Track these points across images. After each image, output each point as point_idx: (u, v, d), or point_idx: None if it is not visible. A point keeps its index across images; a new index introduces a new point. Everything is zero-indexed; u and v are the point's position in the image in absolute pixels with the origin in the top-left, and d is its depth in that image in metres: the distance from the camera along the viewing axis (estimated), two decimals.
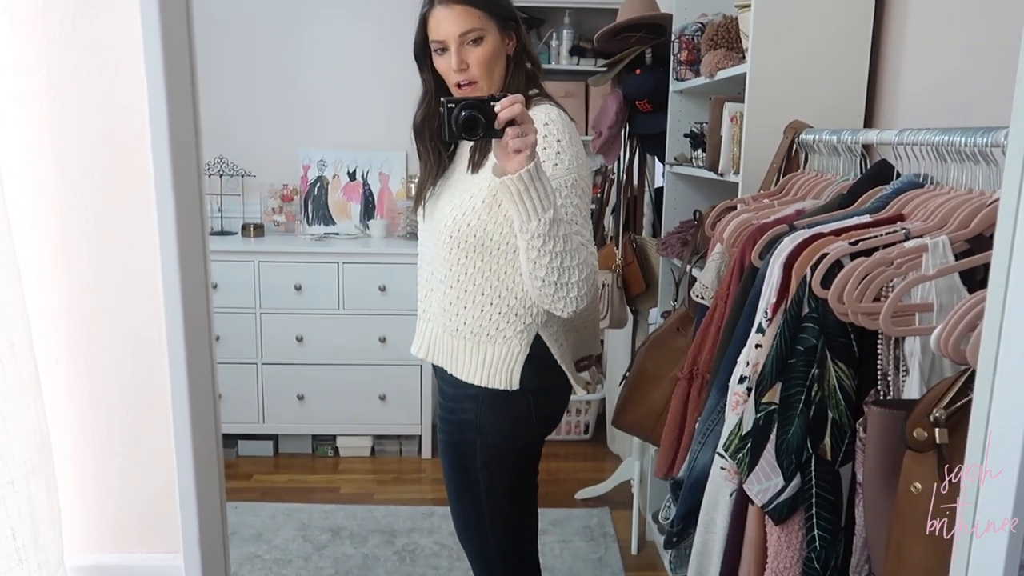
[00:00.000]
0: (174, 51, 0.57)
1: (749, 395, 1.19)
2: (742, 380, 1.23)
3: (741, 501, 1.21)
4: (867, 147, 1.52)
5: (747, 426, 1.17)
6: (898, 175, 1.33)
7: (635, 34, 2.66)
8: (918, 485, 0.81)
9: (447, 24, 1.42)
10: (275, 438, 3.46)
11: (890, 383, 1.08)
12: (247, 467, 3.35)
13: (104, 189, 0.61)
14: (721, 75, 2.04)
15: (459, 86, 1.45)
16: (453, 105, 1.26)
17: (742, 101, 1.84)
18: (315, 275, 3.30)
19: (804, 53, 1.76)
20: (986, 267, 0.81)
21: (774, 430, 1.11)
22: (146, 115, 0.57)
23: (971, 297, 0.87)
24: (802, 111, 1.74)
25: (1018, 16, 1.33)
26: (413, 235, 3.54)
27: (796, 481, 1.09)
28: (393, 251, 3.35)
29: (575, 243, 1.34)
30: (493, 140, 1.27)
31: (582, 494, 3.08)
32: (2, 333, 0.59)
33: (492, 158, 1.34)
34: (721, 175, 2.03)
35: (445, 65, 1.45)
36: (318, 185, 3.71)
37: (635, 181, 2.87)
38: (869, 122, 1.79)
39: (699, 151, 2.27)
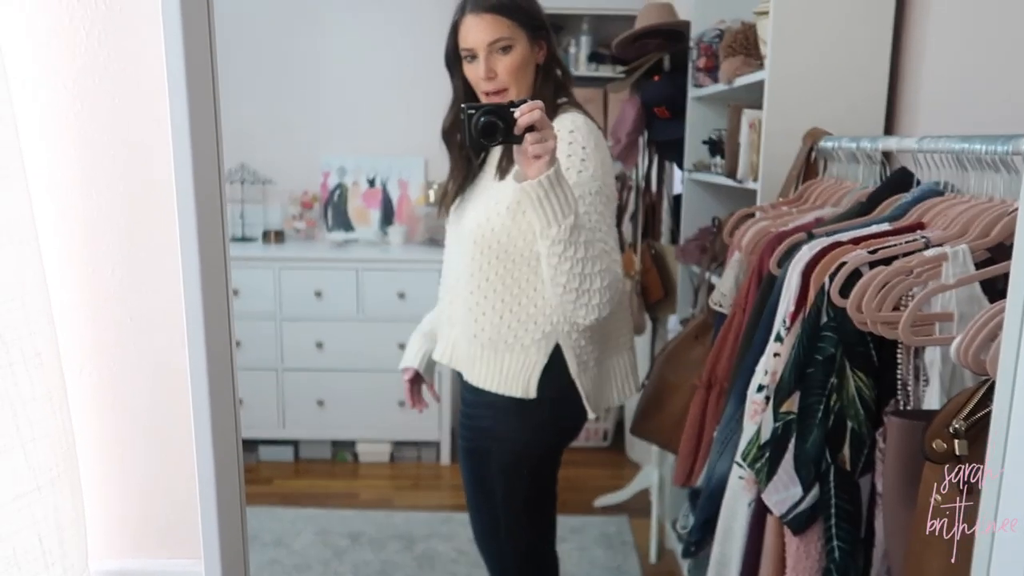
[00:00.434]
0: (196, 65, 0.59)
1: (767, 404, 1.19)
2: (760, 389, 1.22)
3: (759, 511, 1.20)
4: (887, 154, 1.51)
5: (765, 435, 1.16)
6: (918, 183, 1.32)
7: (653, 40, 2.67)
8: (938, 497, 0.80)
9: (477, 32, 1.44)
10: (295, 443, 3.49)
11: (910, 393, 1.07)
12: (268, 472, 3.38)
13: (128, 200, 0.63)
14: (739, 82, 2.03)
15: (487, 95, 1.47)
16: (473, 111, 1.27)
17: (760, 108, 1.83)
18: (335, 281, 3.33)
19: (823, 59, 1.75)
20: (1007, 276, 0.81)
21: (792, 440, 1.11)
22: (168, 128, 0.58)
23: (991, 307, 0.87)
24: (821, 118, 1.73)
25: None
26: (432, 241, 3.56)
27: (815, 491, 1.09)
28: (412, 257, 3.37)
29: (597, 250, 1.34)
30: (514, 147, 1.28)
31: (601, 501, 3.07)
32: (29, 342, 0.60)
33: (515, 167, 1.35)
34: (739, 182, 2.02)
35: (474, 73, 1.47)
36: (338, 192, 3.74)
37: (653, 188, 2.86)
38: (890, 129, 1.78)
39: (717, 158, 2.26)
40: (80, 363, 0.64)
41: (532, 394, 1.48)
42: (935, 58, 1.64)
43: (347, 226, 3.75)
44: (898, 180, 1.36)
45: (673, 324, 2.74)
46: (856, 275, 1.09)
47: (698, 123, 2.53)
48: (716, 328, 1.62)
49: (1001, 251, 1.03)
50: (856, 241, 1.18)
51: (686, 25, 2.57)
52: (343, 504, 3.08)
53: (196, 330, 0.59)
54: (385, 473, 3.41)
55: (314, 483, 3.30)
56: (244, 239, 3.63)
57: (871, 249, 1.12)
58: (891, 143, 1.38)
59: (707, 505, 1.31)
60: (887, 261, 1.09)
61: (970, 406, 0.79)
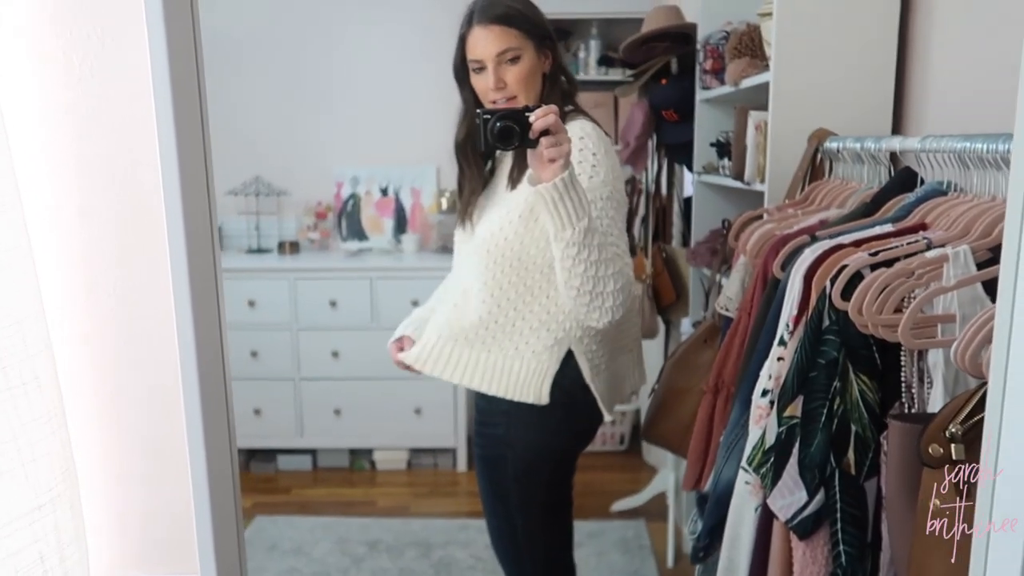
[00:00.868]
0: (183, 92, 0.60)
1: (772, 408, 1.18)
2: (764, 393, 1.21)
3: (766, 516, 1.19)
4: (893, 154, 1.50)
5: (770, 440, 1.16)
6: (922, 182, 1.31)
7: (661, 44, 2.67)
8: (937, 502, 0.80)
9: (485, 44, 1.46)
10: (313, 452, 3.52)
11: (914, 395, 1.07)
12: (286, 481, 3.41)
13: (122, 226, 0.64)
14: (745, 84, 2.02)
15: (495, 104, 1.48)
16: (489, 116, 1.29)
17: (767, 109, 1.83)
18: (349, 291, 3.35)
19: (828, 60, 1.74)
20: None
21: (796, 444, 1.10)
22: (158, 155, 0.60)
23: (989, 308, 0.86)
24: (827, 119, 1.72)
25: None
26: (445, 249, 3.58)
27: (820, 496, 1.08)
28: (425, 265, 3.39)
29: (610, 253, 1.36)
30: (528, 150, 1.29)
31: (618, 506, 3.06)
32: (27, 365, 0.62)
33: (529, 171, 1.36)
34: (747, 184, 2.02)
35: (483, 84, 1.49)
36: (351, 201, 3.77)
37: (664, 191, 2.86)
38: (897, 129, 1.77)
39: (725, 160, 2.26)
40: (78, 385, 0.66)
41: (545, 400, 1.49)
42: (941, 56, 1.62)
43: (361, 235, 3.77)
44: (902, 180, 1.35)
45: (686, 327, 2.73)
46: (858, 278, 1.08)
47: (706, 125, 2.52)
48: (723, 332, 1.62)
49: None
50: (858, 243, 1.17)
51: (693, 28, 2.57)
52: (361, 512, 3.10)
53: (188, 349, 0.61)
54: (402, 480, 3.42)
55: (332, 491, 3.32)
56: (259, 250, 3.67)
57: (873, 251, 1.12)
58: (894, 143, 1.37)
59: (714, 510, 1.31)
60: (889, 263, 1.09)
61: (967, 410, 0.78)
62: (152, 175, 0.62)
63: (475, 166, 1.60)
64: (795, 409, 1.12)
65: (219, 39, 3.63)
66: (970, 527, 0.76)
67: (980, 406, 0.78)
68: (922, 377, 1.06)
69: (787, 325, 1.21)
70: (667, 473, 2.81)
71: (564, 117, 1.51)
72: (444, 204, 3.69)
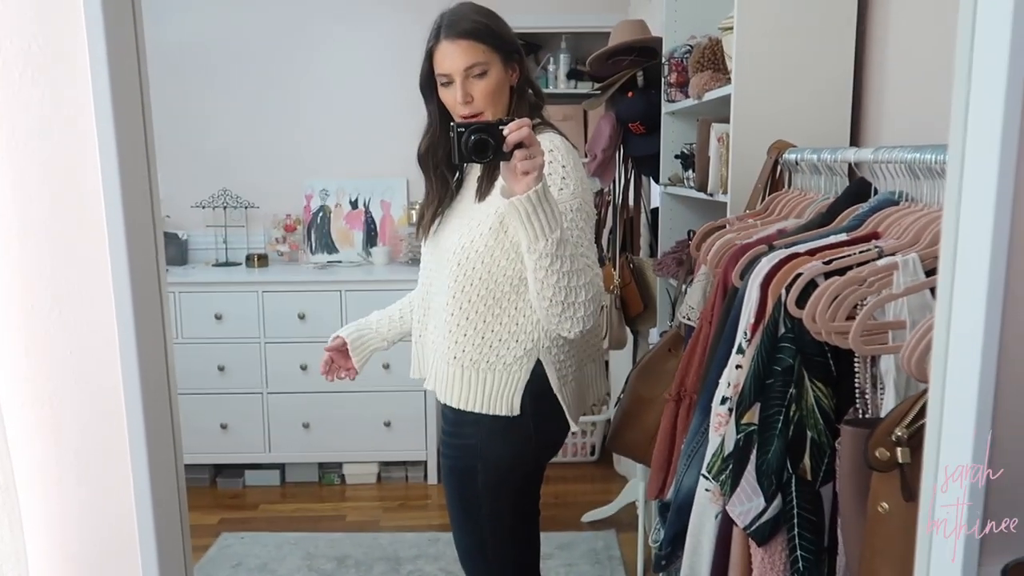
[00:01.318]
0: (124, 101, 0.60)
1: (731, 416, 1.19)
2: (724, 401, 1.23)
3: (726, 523, 1.20)
4: (851, 165, 1.53)
5: (729, 447, 1.17)
6: (876, 192, 1.33)
7: (627, 57, 2.70)
8: (885, 505, 0.81)
9: (452, 58, 1.46)
10: (282, 467, 3.48)
11: (868, 401, 1.08)
12: (254, 497, 3.36)
13: (64, 242, 0.63)
14: (708, 96, 2.05)
15: (464, 119, 1.49)
16: (463, 129, 1.30)
17: (729, 122, 1.85)
18: (319, 304, 3.33)
19: (787, 73, 1.77)
20: None
21: (754, 451, 1.11)
22: (99, 170, 0.59)
23: (933, 315, 0.88)
24: (787, 131, 1.75)
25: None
26: (415, 261, 3.57)
27: (777, 502, 1.09)
28: (396, 278, 3.37)
29: (581, 264, 1.37)
30: (501, 163, 1.30)
31: (588, 517, 3.06)
32: None
33: (499, 185, 1.37)
34: (710, 195, 2.04)
35: (451, 97, 1.49)
36: (321, 214, 3.75)
37: (631, 202, 2.89)
38: (855, 141, 1.80)
39: (689, 171, 2.28)
40: (21, 398, 0.65)
41: (516, 411, 1.49)
42: (896, 70, 1.66)
43: (330, 248, 3.76)
44: (857, 190, 1.37)
45: (654, 337, 2.75)
46: (812, 286, 1.10)
47: (672, 138, 2.56)
48: (686, 341, 1.63)
49: None
50: (813, 252, 1.19)
51: (658, 41, 2.60)
52: (330, 527, 3.07)
53: (130, 363, 0.60)
54: (372, 494, 3.39)
55: (301, 507, 3.29)
56: (227, 263, 3.64)
57: (826, 260, 1.14)
58: (849, 154, 1.40)
59: (675, 518, 1.32)
60: (842, 271, 1.11)
61: (912, 414, 0.80)
62: (94, 188, 0.61)
63: (438, 178, 1.61)
64: (753, 416, 1.13)
65: (187, 50, 3.61)
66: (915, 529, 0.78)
67: (925, 410, 0.80)
68: (875, 383, 1.08)
69: (745, 333, 1.22)
70: (637, 483, 2.82)
71: (533, 130, 1.52)
72: (414, 217, 3.68)
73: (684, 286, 2.17)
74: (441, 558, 2.78)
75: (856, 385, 1.09)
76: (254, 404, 3.35)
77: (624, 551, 2.82)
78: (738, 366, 1.21)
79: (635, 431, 1.79)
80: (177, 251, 3.56)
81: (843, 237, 1.23)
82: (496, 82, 1.49)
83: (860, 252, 1.13)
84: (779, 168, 1.70)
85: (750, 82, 1.79)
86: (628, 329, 2.82)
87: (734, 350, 1.24)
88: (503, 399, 1.49)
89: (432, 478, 3.45)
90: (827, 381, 1.09)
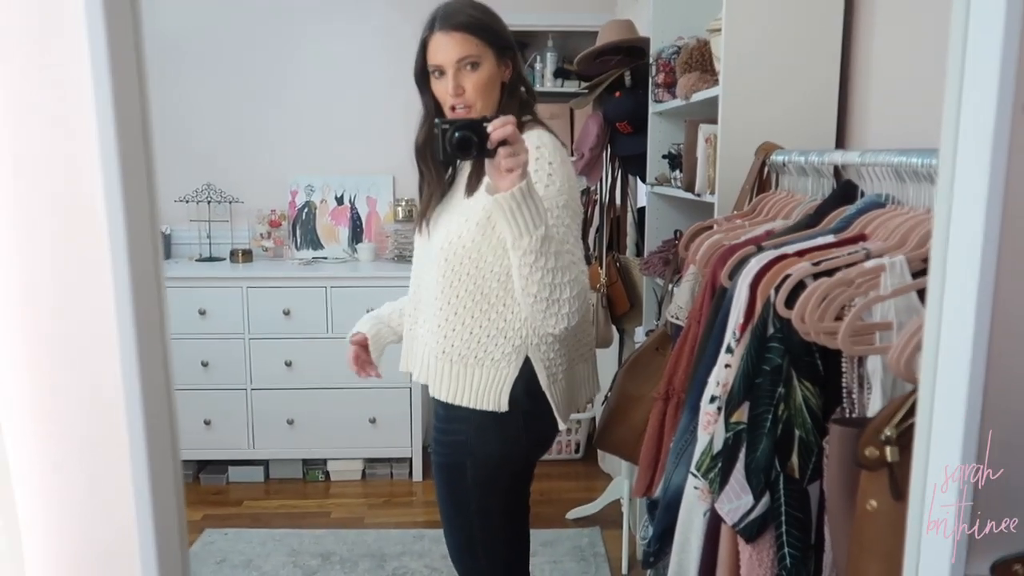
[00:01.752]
0: (124, 95, 0.59)
1: (719, 414, 1.21)
2: (713, 400, 1.24)
3: (715, 520, 1.22)
4: (838, 167, 1.55)
5: (717, 446, 1.18)
6: (862, 194, 1.35)
7: (614, 57, 2.71)
8: (873, 503, 0.82)
9: (445, 50, 1.47)
10: (266, 463, 3.47)
11: (855, 401, 1.10)
12: (238, 493, 3.35)
13: (63, 237, 0.63)
14: (696, 97, 2.07)
15: (453, 109, 1.50)
16: (447, 126, 1.30)
17: (716, 123, 1.87)
18: (304, 300, 3.32)
19: (775, 76, 1.79)
20: None
21: (743, 449, 1.13)
22: (98, 160, 0.59)
23: (923, 316, 0.89)
24: (774, 132, 1.77)
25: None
26: (401, 258, 3.57)
27: (765, 499, 1.11)
28: (381, 274, 3.37)
29: (566, 260, 1.38)
30: (486, 160, 1.31)
31: (573, 514, 3.08)
32: None
33: (486, 179, 1.38)
34: (698, 195, 2.06)
35: (442, 89, 1.50)
36: (306, 210, 3.74)
37: (618, 201, 2.90)
38: (841, 142, 1.82)
39: (677, 172, 2.30)
40: (17, 396, 0.64)
41: (504, 407, 1.49)
42: (883, 72, 1.68)
43: (316, 244, 3.74)
44: (843, 193, 1.39)
45: (640, 336, 2.76)
46: (801, 287, 1.12)
47: (659, 138, 2.57)
48: (674, 340, 1.64)
49: None
50: (801, 253, 1.21)
51: (646, 42, 2.62)
52: (315, 523, 3.06)
53: (130, 363, 0.60)
54: (357, 491, 3.39)
55: (285, 503, 3.28)
56: (211, 259, 3.61)
57: (815, 261, 1.15)
58: (836, 156, 1.42)
59: (664, 516, 1.33)
60: (830, 273, 1.12)
61: (901, 413, 0.81)
62: (93, 186, 0.61)
63: (434, 172, 1.61)
64: (741, 415, 1.14)
65: (172, 42, 3.58)
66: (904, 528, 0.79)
67: (914, 410, 0.82)
68: (862, 383, 1.10)
69: (734, 333, 1.24)
70: (621, 480, 2.83)
71: (522, 127, 1.53)
72: (400, 213, 3.68)
73: (671, 285, 2.19)
74: (426, 555, 2.78)
75: (843, 385, 1.10)
76: (238, 400, 3.34)
77: (609, 548, 2.83)
78: (727, 365, 1.23)
79: (622, 429, 1.80)
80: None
81: (831, 239, 1.25)
82: (488, 76, 1.50)
83: (848, 254, 1.14)
84: (766, 169, 1.72)
85: (738, 84, 1.80)
86: (614, 327, 2.83)
87: (723, 349, 1.25)
88: (491, 394, 1.50)
89: (417, 475, 3.45)
90: (815, 381, 1.11)
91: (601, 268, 2.80)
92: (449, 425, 1.58)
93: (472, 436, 1.54)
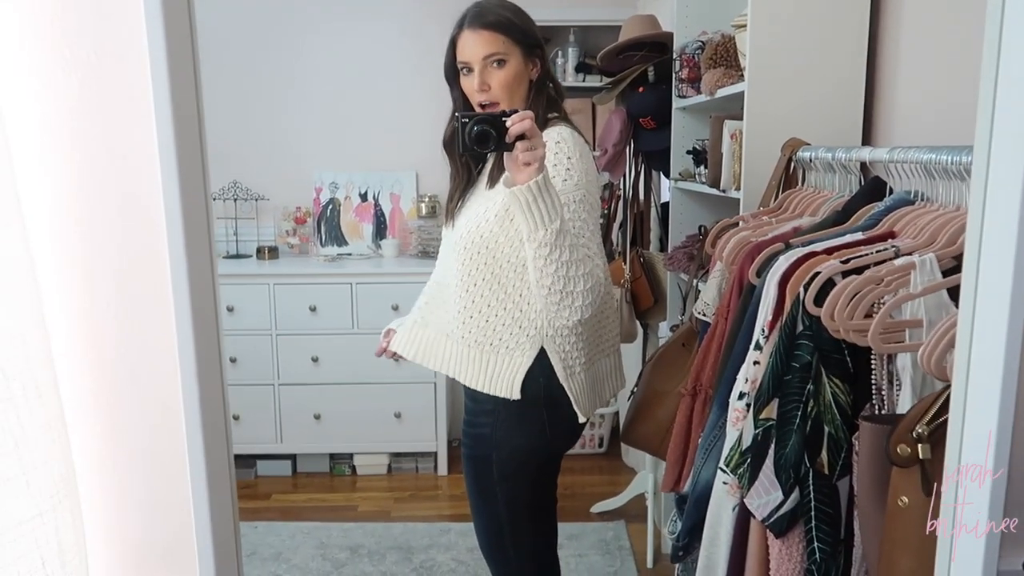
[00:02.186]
0: (182, 108, 0.62)
1: (748, 411, 1.22)
2: (741, 396, 1.25)
3: (743, 515, 1.23)
4: (864, 164, 1.55)
5: (747, 442, 1.19)
6: (890, 191, 1.35)
7: (637, 53, 2.71)
8: (904, 499, 0.83)
9: (473, 47, 1.52)
10: (293, 457, 3.51)
11: (884, 397, 1.11)
12: (266, 487, 3.40)
13: (122, 238, 0.66)
14: (721, 93, 2.07)
15: (481, 106, 1.53)
16: (467, 120, 1.34)
17: (742, 119, 1.87)
18: (329, 296, 3.35)
19: (800, 71, 1.79)
20: None
21: (772, 445, 1.14)
22: (159, 170, 0.61)
23: (954, 314, 0.90)
24: (800, 128, 1.77)
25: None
26: (424, 254, 3.60)
27: (795, 495, 1.12)
28: (405, 270, 3.40)
29: (581, 254, 1.40)
30: (504, 154, 1.33)
31: (598, 508, 3.09)
32: (29, 376, 0.63)
33: (505, 173, 1.40)
34: (723, 191, 2.06)
35: (469, 85, 1.55)
36: (330, 207, 3.78)
37: (641, 197, 2.90)
38: (867, 138, 1.82)
39: (701, 167, 2.30)
40: (78, 394, 0.68)
41: (516, 395, 1.52)
42: (910, 69, 1.68)
43: (340, 241, 3.78)
44: (872, 189, 1.39)
45: (664, 331, 2.77)
46: (830, 284, 1.13)
47: (683, 133, 2.57)
48: (700, 336, 1.65)
49: None
50: (830, 251, 1.21)
51: (669, 37, 2.61)
52: (342, 517, 3.10)
53: (188, 359, 0.63)
54: (383, 485, 3.43)
55: (312, 497, 3.32)
56: (238, 256, 3.66)
57: (844, 259, 1.16)
58: (864, 153, 1.42)
59: (693, 511, 1.34)
60: (859, 270, 1.13)
61: (933, 411, 0.82)
62: (151, 191, 0.64)
63: (461, 164, 1.65)
64: (771, 411, 1.15)
65: (198, 40, 3.62)
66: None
67: (945, 407, 0.82)
68: (891, 380, 1.11)
69: (763, 330, 1.25)
70: (646, 475, 2.84)
71: (547, 123, 1.56)
72: (424, 209, 3.70)
73: (696, 281, 2.19)
74: (453, 548, 2.82)
75: (873, 381, 1.11)
76: (266, 396, 3.38)
77: (634, 542, 2.85)
78: (756, 362, 1.24)
79: (649, 424, 1.82)
80: None
81: (859, 236, 1.26)
82: (514, 73, 1.53)
83: (877, 251, 1.15)
84: (793, 165, 1.72)
85: (763, 80, 1.80)
86: (638, 323, 2.84)
87: (752, 346, 1.26)
88: (504, 381, 1.53)
89: (442, 469, 3.48)
90: (844, 377, 1.12)
91: (625, 263, 2.81)
92: (476, 418, 1.61)
93: (497, 429, 1.57)
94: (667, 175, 2.69)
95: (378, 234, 3.79)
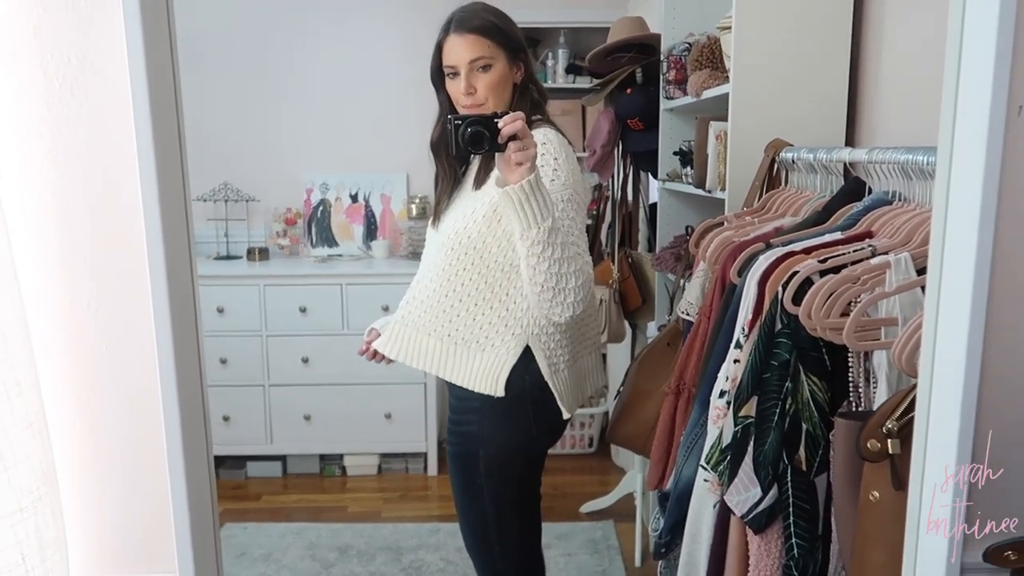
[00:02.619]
0: (161, 113, 0.63)
1: (729, 409, 1.23)
2: (722, 394, 1.27)
3: (724, 512, 1.24)
4: (847, 164, 1.57)
5: (727, 439, 1.21)
6: (870, 191, 1.37)
7: (625, 54, 2.72)
8: (876, 494, 0.85)
9: (459, 51, 1.54)
10: (283, 458, 3.52)
11: (861, 395, 1.12)
12: (256, 488, 3.40)
13: (101, 238, 0.67)
14: (707, 94, 2.09)
15: (466, 109, 1.56)
16: (460, 122, 1.36)
17: (727, 120, 1.89)
18: (319, 297, 3.36)
19: (784, 72, 1.81)
20: None
21: (751, 443, 1.16)
22: (137, 168, 0.62)
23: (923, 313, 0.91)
24: (784, 130, 1.78)
25: None
26: (415, 255, 3.61)
27: (773, 491, 1.13)
28: (395, 271, 3.41)
29: (572, 251, 1.43)
30: (497, 154, 1.35)
31: (587, 507, 3.11)
32: (10, 373, 0.64)
33: (494, 175, 1.42)
34: (708, 192, 2.08)
35: (455, 88, 1.57)
36: (321, 208, 3.78)
37: (629, 198, 2.92)
38: (850, 139, 1.84)
39: (688, 168, 2.32)
40: (59, 391, 0.68)
41: (501, 392, 1.53)
42: (892, 70, 1.70)
43: (331, 242, 3.79)
44: (851, 190, 1.41)
45: (652, 331, 2.79)
46: (808, 283, 1.14)
47: (670, 134, 2.59)
48: (685, 335, 1.67)
49: None
50: (809, 250, 1.23)
51: (657, 39, 2.63)
52: (332, 517, 3.11)
53: (167, 358, 0.64)
54: (373, 485, 3.44)
55: (302, 497, 3.33)
56: (228, 257, 3.66)
57: (822, 258, 1.17)
58: (844, 154, 1.44)
59: (675, 508, 1.36)
60: (837, 270, 1.14)
61: (903, 407, 0.84)
62: (130, 192, 0.65)
63: (448, 166, 1.67)
64: (750, 409, 1.17)
65: (188, 42, 3.61)
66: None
67: (915, 404, 0.84)
68: (868, 377, 1.12)
69: (743, 329, 1.26)
70: (635, 474, 2.86)
71: (532, 125, 1.58)
72: (414, 211, 3.71)
73: (682, 281, 2.21)
74: (442, 548, 2.82)
75: (850, 379, 1.13)
76: (256, 396, 3.39)
77: (622, 541, 2.86)
78: (736, 360, 1.25)
79: (634, 423, 1.83)
80: None
81: (838, 236, 1.27)
82: (499, 76, 1.55)
83: (854, 251, 1.17)
84: (776, 166, 1.74)
85: (748, 82, 1.82)
86: (627, 323, 2.86)
87: (732, 345, 1.28)
88: (489, 378, 1.54)
89: (432, 469, 3.49)
90: (822, 375, 1.13)
91: (613, 264, 2.82)
92: (462, 416, 1.63)
93: (484, 426, 1.59)
94: (655, 176, 2.71)
95: (368, 235, 3.80)
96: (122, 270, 0.66)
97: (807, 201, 1.55)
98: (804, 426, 1.13)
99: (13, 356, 0.65)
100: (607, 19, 3.20)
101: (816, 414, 1.12)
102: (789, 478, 1.13)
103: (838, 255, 1.17)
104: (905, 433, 0.82)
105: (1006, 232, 0.68)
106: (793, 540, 1.12)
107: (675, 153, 2.45)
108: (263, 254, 3.62)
